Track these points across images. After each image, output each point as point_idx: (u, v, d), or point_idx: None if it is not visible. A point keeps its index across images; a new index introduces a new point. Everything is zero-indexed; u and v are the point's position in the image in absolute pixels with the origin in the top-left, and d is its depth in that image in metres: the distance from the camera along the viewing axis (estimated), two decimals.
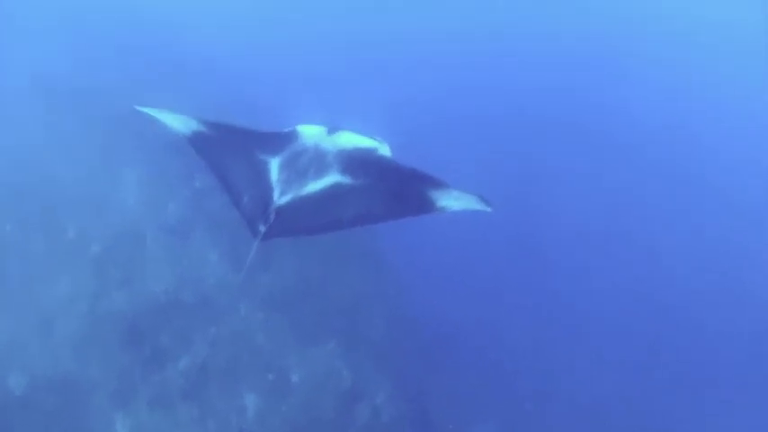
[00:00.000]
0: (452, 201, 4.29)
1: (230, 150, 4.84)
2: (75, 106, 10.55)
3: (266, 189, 4.55)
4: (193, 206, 9.75)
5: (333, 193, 4.48)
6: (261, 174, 4.66)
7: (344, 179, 4.50)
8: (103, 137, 10.07)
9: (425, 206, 4.34)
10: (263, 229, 4.27)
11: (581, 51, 19.58)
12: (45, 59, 11.15)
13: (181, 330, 8.28)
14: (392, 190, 4.52)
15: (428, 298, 10.63)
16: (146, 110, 4.96)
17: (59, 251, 8.54)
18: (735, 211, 15.82)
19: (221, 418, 7.62)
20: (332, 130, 5.02)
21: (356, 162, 4.65)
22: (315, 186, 4.50)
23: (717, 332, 12.53)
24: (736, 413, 11.41)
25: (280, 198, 4.41)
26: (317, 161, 4.65)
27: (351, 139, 4.93)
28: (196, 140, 4.99)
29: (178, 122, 5.01)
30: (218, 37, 14.32)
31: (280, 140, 4.90)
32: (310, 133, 4.97)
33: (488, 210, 4.27)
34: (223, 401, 7.81)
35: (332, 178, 4.52)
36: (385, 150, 5.04)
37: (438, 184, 4.35)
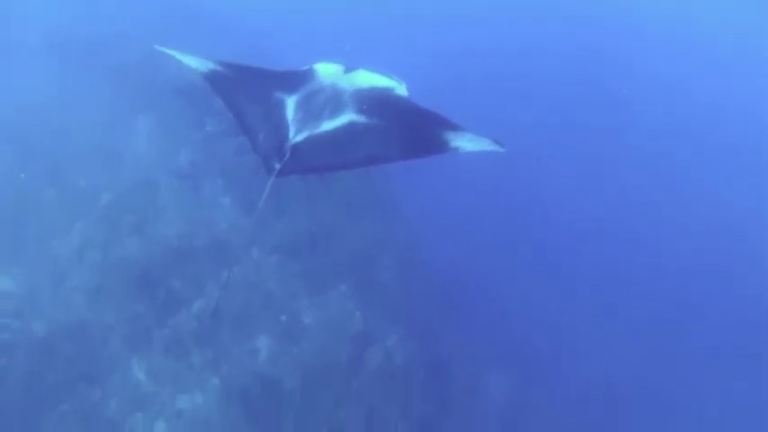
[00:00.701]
0: (466, 142, 4.24)
1: (247, 89, 4.81)
2: (85, 58, 10.55)
3: (282, 127, 4.54)
4: (205, 151, 9.70)
5: (348, 132, 4.46)
6: (277, 112, 4.66)
7: (360, 118, 4.48)
8: (113, 87, 10.06)
9: (439, 146, 4.29)
10: (277, 166, 4.27)
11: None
12: (54, 13, 11.06)
13: (193, 275, 8.32)
14: (407, 130, 4.48)
15: (440, 244, 10.52)
16: (164, 49, 5.06)
17: (71, 201, 8.61)
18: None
19: (234, 362, 7.71)
20: (349, 68, 4.99)
21: (372, 101, 4.64)
22: (330, 125, 4.48)
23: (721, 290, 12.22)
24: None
25: (295, 136, 4.40)
26: (333, 100, 4.65)
27: (367, 78, 4.91)
28: (213, 79, 4.90)
29: (196, 62, 5.01)
30: None
31: (297, 79, 4.90)
32: (327, 72, 4.96)
33: (501, 150, 4.21)
34: (236, 345, 7.88)
35: (347, 117, 4.50)
36: (402, 90, 5.00)
37: (453, 126, 4.33)
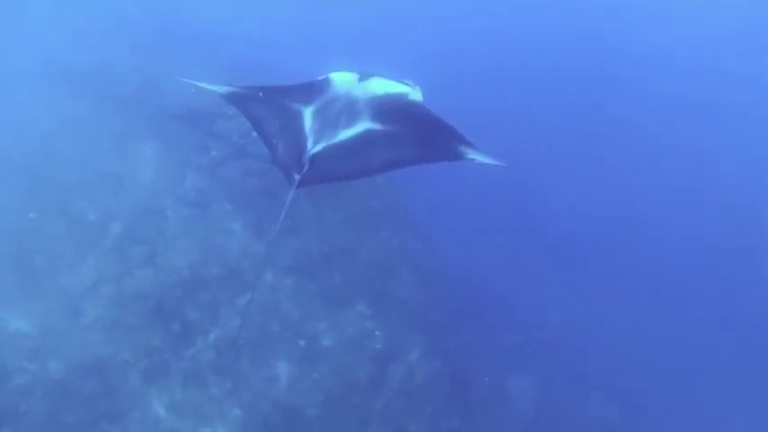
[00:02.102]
0: (477, 155, 4.35)
1: (265, 102, 4.96)
2: (86, 86, 10.43)
3: (300, 138, 4.63)
4: (211, 176, 9.60)
5: (364, 140, 4.54)
6: (295, 124, 4.76)
7: (375, 125, 4.56)
8: (115, 115, 9.96)
9: (454, 155, 4.39)
10: (297, 177, 4.35)
11: None
12: (50, 42, 10.97)
13: (208, 304, 8.23)
14: (421, 136, 4.57)
15: (456, 251, 10.38)
16: (190, 81, 5.35)
17: (81, 233, 8.52)
18: None
19: (254, 390, 7.63)
20: (363, 76, 5.03)
21: (387, 108, 4.72)
22: (347, 134, 4.56)
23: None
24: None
25: (313, 147, 4.49)
26: (349, 109, 4.73)
27: (382, 85, 4.95)
28: (232, 96, 5.13)
29: (214, 86, 5.20)
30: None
31: (313, 89, 5.00)
32: (342, 81, 5.02)
33: (504, 165, 4.28)
34: (255, 373, 7.79)
35: (363, 125, 4.58)
36: (417, 95, 5.01)
37: (465, 141, 4.40)
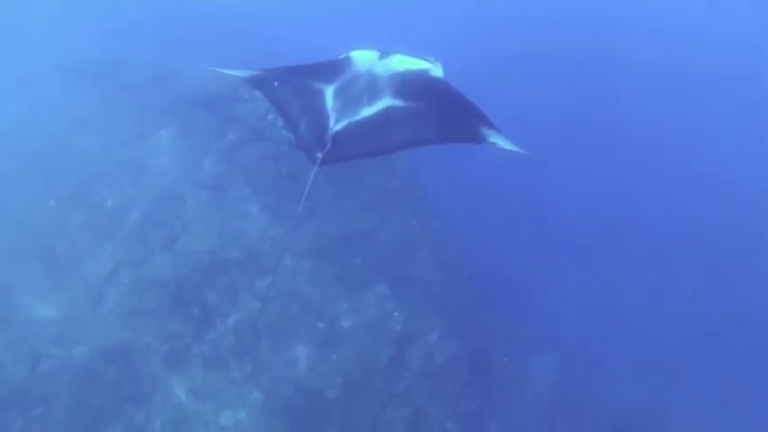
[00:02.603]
0: (501, 141, 4.28)
1: (287, 82, 4.97)
2: (100, 79, 10.54)
3: (322, 117, 4.65)
4: (228, 160, 9.60)
5: (386, 117, 4.54)
6: (317, 103, 4.78)
7: (397, 102, 4.55)
8: (131, 105, 10.05)
9: (475, 137, 4.35)
10: (320, 155, 4.36)
11: None
12: (63, 36, 11.06)
13: (227, 288, 8.27)
14: (443, 112, 4.54)
15: (476, 232, 10.26)
16: (217, 69, 5.24)
17: (100, 222, 8.62)
18: None
19: (274, 374, 7.67)
20: (384, 54, 5.04)
21: (408, 85, 4.70)
22: (369, 111, 4.57)
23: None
24: None
25: (335, 125, 4.51)
26: (370, 86, 4.73)
27: (403, 62, 4.94)
28: (254, 79, 5.13)
29: (243, 73, 5.17)
30: None
31: (334, 68, 5.02)
32: (363, 59, 5.04)
33: (529, 155, 4.25)
34: (275, 356, 7.82)
35: (385, 102, 4.58)
36: (438, 71, 5.01)
37: (487, 122, 4.34)
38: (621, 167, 12.87)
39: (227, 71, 5.25)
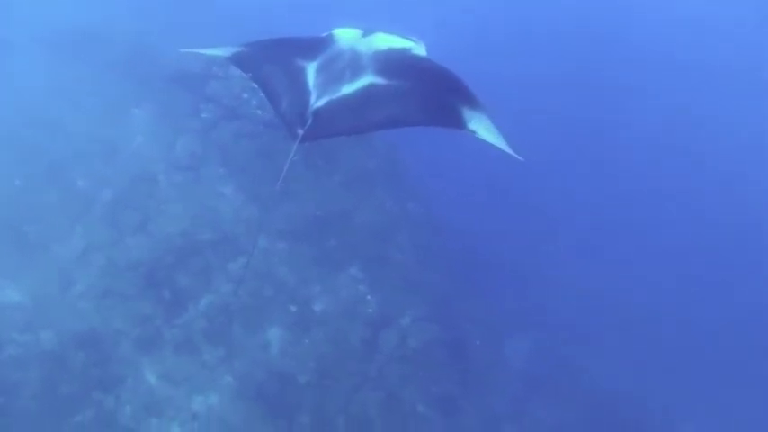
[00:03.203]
0: (483, 130, 4.17)
1: (269, 59, 4.93)
2: (74, 52, 10.25)
3: (304, 93, 4.61)
4: (203, 140, 9.45)
5: (368, 95, 4.50)
6: (298, 79, 4.74)
7: (379, 80, 4.50)
8: (104, 80, 9.80)
9: (455, 122, 4.25)
10: (300, 132, 4.34)
11: None
12: (36, 6, 10.71)
13: (200, 270, 8.20)
14: (425, 93, 4.49)
15: (454, 213, 10.20)
16: (189, 51, 5.16)
17: (71, 202, 8.47)
18: None
19: (247, 357, 7.65)
20: (367, 32, 5.01)
21: (390, 62, 4.67)
22: (350, 88, 4.52)
23: None
24: None
25: (316, 101, 4.47)
26: (353, 63, 4.69)
27: (386, 40, 4.92)
28: (236, 57, 5.03)
29: (218, 50, 5.08)
30: None
31: (317, 45, 4.98)
32: (346, 36, 5.00)
33: (520, 159, 4.12)
34: (248, 339, 7.79)
35: (366, 80, 4.53)
36: (420, 50, 4.98)
37: (471, 101, 4.24)
38: (606, 153, 12.80)
39: (205, 51, 5.15)
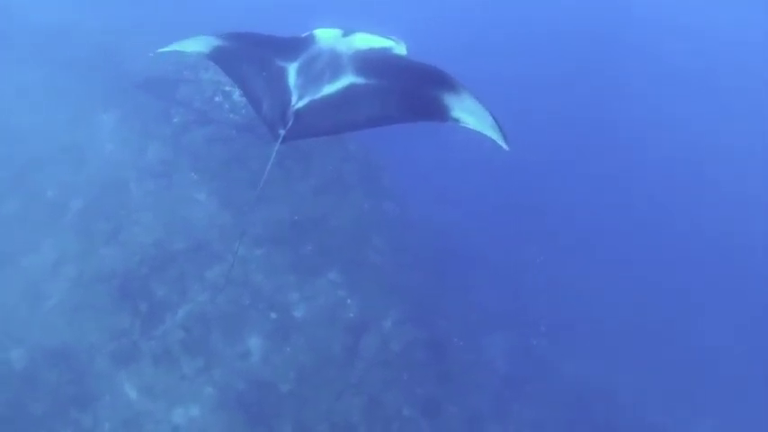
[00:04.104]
0: (466, 114, 4.03)
1: (249, 59, 4.84)
2: (39, 51, 9.94)
3: (285, 94, 4.57)
4: (174, 145, 9.26)
5: (348, 95, 4.46)
6: (279, 80, 4.68)
7: (359, 80, 4.47)
8: (71, 82, 9.55)
9: (439, 113, 4.15)
10: (282, 132, 4.31)
11: None
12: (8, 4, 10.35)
13: (176, 279, 8.03)
14: (406, 90, 4.44)
15: (431, 213, 10.16)
16: (166, 50, 4.82)
17: (39, 212, 8.23)
18: None
19: (227, 367, 7.52)
20: (347, 32, 4.96)
21: (370, 62, 4.65)
22: (331, 89, 4.48)
23: None
24: None
25: (297, 102, 4.45)
26: (333, 64, 4.65)
27: (366, 40, 4.90)
28: (215, 55, 4.89)
29: (197, 45, 4.87)
30: None
31: (297, 45, 4.92)
32: (326, 37, 4.96)
33: (504, 147, 3.93)
34: (227, 349, 7.66)
35: (347, 80, 4.50)
36: (401, 50, 4.95)
37: (452, 87, 4.13)
38: (589, 151, 12.88)
39: (180, 47, 4.86)
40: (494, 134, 3.96)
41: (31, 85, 9.47)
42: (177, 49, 4.85)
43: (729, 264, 12.62)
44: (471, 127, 4.02)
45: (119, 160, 8.84)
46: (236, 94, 9.18)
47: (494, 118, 3.93)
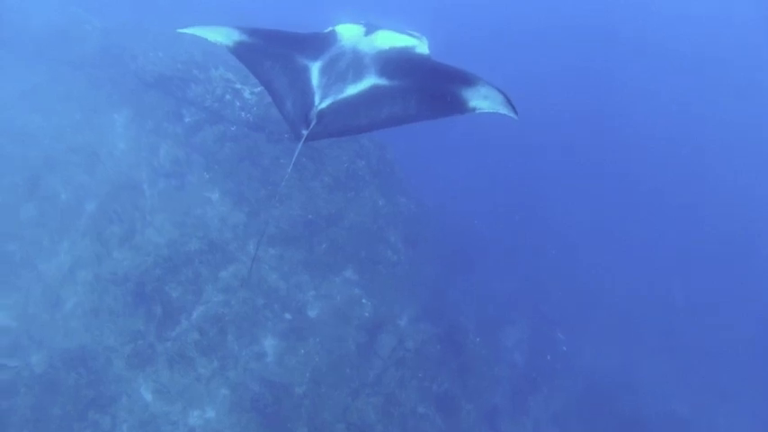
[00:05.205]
0: (482, 100, 4.21)
1: (273, 57, 4.93)
2: (44, 51, 9.87)
3: (308, 94, 4.69)
4: (186, 144, 9.23)
5: (371, 95, 4.58)
6: (302, 79, 4.79)
7: (382, 81, 4.60)
8: (80, 82, 9.49)
9: (458, 106, 4.32)
10: (305, 132, 4.42)
11: None
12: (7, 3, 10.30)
13: (190, 281, 8.04)
14: (427, 90, 4.56)
15: (447, 210, 10.06)
16: (187, 30, 4.84)
17: (53, 215, 8.25)
18: None
19: (242, 369, 7.55)
20: (369, 30, 5.04)
21: (393, 62, 4.75)
22: (354, 89, 4.61)
23: None
24: None
25: (320, 102, 4.54)
26: (355, 64, 4.77)
27: (388, 39, 4.97)
28: (239, 50, 4.97)
29: (220, 35, 4.94)
30: None
31: (319, 43, 5.02)
32: (349, 35, 5.05)
33: (514, 117, 4.13)
34: (241, 350, 7.68)
35: (370, 81, 4.63)
36: (423, 47, 5.00)
37: (469, 81, 4.33)
38: (604, 148, 12.71)
39: (205, 33, 4.88)
40: (506, 110, 4.11)
41: (39, 86, 9.46)
42: (198, 33, 4.86)
43: (750, 254, 12.39)
44: (486, 111, 4.16)
45: (131, 160, 8.84)
46: (247, 92, 9.11)
47: (505, 96, 4.08)
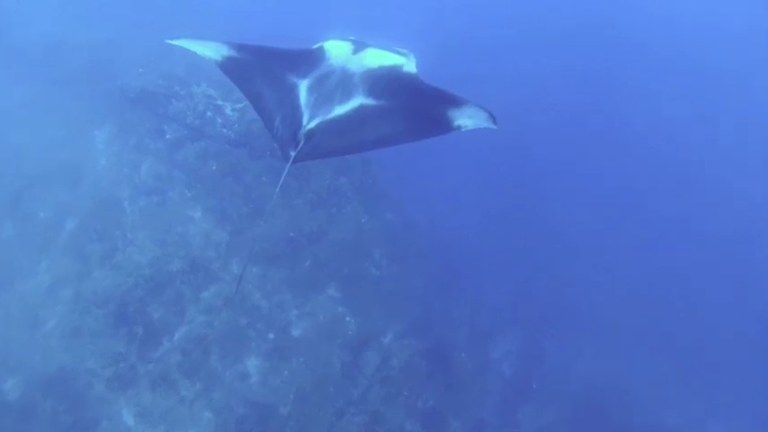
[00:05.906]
0: (467, 119, 4.26)
1: (261, 74, 4.89)
2: (31, 70, 9.79)
3: (296, 113, 4.64)
4: (168, 161, 9.15)
5: (358, 116, 4.56)
6: (290, 97, 4.75)
7: (369, 101, 4.59)
8: (63, 99, 9.40)
9: (444, 126, 4.35)
10: (293, 153, 4.38)
11: None
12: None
13: (172, 301, 7.95)
14: (414, 110, 4.59)
15: (433, 222, 10.04)
16: (176, 42, 4.80)
17: (34, 234, 8.13)
18: None
19: (225, 390, 7.46)
20: (358, 47, 5.03)
21: (381, 82, 4.75)
22: (342, 109, 4.56)
23: None
24: None
25: (309, 122, 4.50)
26: (344, 83, 4.74)
27: (376, 57, 4.96)
28: (227, 66, 4.94)
29: (209, 50, 4.92)
30: None
31: (308, 60, 4.98)
32: (337, 53, 5.03)
33: (493, 127, 4.20)
34: (225, 371, 7.60)
35: (357, 100, 4.60)
36: (411, 66, 5.00)
37: (455, 102, 4.37)
38: (593, 152, 12.75)
39: (193, 46, 4.88)
40: (487, 123, 4.16)
41: (23, 102, 9.36)
42: (187, 46, 4.84)
43: (745, 262, 12.49)
44: (471, 128, 4.19)
45: (112, 177, 8.77)
46: (228, 109, 9.05)
47: (489, 113, 4.13)
